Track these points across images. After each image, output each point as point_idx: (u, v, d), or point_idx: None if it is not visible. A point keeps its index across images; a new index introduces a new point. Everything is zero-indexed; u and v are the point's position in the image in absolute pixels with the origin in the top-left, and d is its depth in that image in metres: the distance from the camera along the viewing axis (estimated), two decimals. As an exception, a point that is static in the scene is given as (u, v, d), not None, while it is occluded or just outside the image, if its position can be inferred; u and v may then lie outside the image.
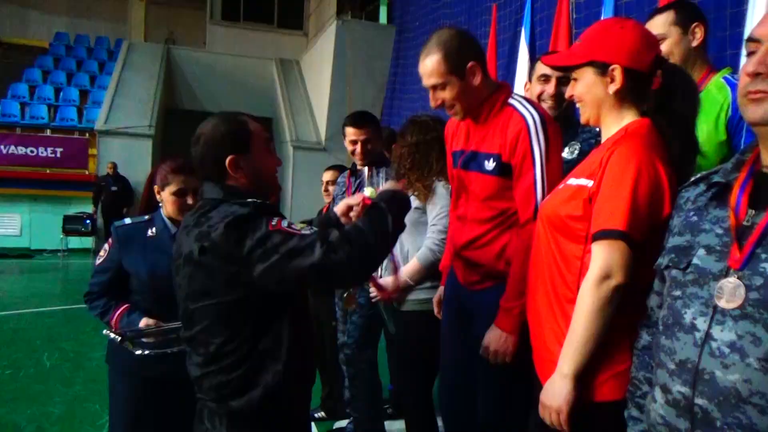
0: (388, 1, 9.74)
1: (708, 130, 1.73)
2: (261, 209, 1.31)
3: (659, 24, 1.85)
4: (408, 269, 2.19)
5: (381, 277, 2.33)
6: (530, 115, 1.67)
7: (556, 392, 1.28)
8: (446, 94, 1.72)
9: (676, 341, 1.01)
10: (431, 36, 1.76)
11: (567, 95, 1.51)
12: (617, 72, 1.34)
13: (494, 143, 1.72)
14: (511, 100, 1.73)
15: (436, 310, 2.13)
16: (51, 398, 3.57)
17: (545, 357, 1.39)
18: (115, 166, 9.71)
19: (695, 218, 1.08)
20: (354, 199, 1.49)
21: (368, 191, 2.30)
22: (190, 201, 1.94)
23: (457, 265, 1.93)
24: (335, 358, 2.94)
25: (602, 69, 1.35)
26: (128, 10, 14.18)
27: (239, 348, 1.31)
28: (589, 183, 1.31)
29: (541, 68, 2.06)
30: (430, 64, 1.69)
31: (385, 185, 1.52)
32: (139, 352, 1.77)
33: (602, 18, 3.20)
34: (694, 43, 1.82)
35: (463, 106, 1.74)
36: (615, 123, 1.38)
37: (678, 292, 1.04)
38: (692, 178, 1.17)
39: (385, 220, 1.30)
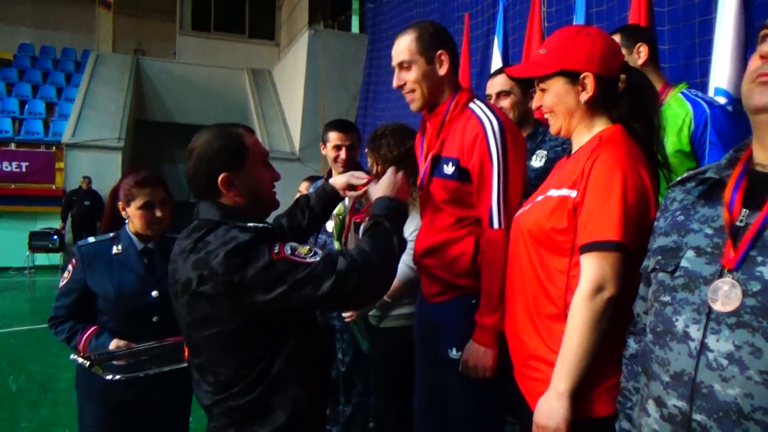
0: (360, 11, 9.74)
1: (672, 143, 1.81)
2: (263, 235, 1.24)
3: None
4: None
5: None
6: (488, 120, 1.63)
7: (553, 411, 1.23)
8: (410, 76, 1.68)
9: (669, 351, 0.96)
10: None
11: (534, 106, 1.47)
12: (589, 80, 1.32)
13: (453, 147, 1.68)
14: (471, 104, 1.69)
15: None
16: (17, 423, 3.43)
17: (528, 374, 1.36)
18: (89, 180, 9.47)
19: (682, 217, 1.04)
20: (356, 179, 1.50)
21: (337, 207, 2.26)
22: (158, 213, 1.87)
23: (422, 276, 1.87)
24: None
25: (573, 78, 1.33)
26: (96, 21, 13.92)
27: (250, 373, 1.24)
28: (572, 193, 1.28)
29: (496, 85, 2.12)
30: (402, 43, 1.69)
31: (380, 183, 1.47)
32: (109, 377, 1.67)
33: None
34: (640, 62, 1.96)
35: (422, 93, 1.69)
36: (587, 131, 1.36)
37: (667, 298, 0.99)
38: (678, 178, 1.13)
39: (390, 241, 1.29)
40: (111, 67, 12.13)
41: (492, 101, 2.19)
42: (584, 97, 1.33)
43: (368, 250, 1.24)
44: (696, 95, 1.94)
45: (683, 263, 0.97)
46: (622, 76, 1.36)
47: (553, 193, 1.33)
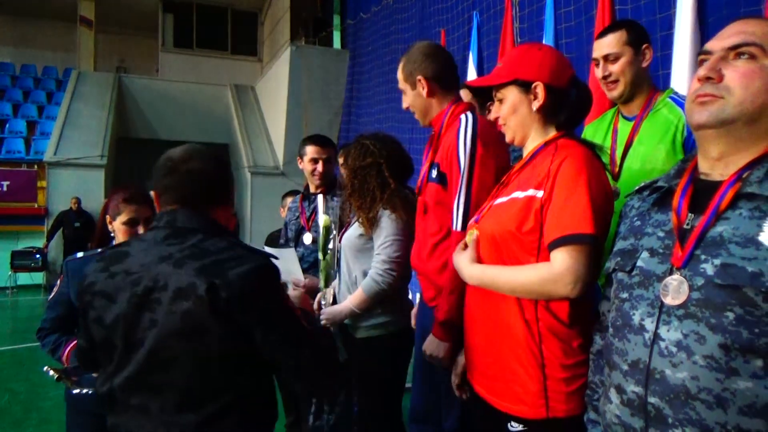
0: (341, 27, 9.87)
1: (666, 150, 1.76)
2: (276, 269, 1.26)
3: (612, 43, 1.85)
4: (354, 298, 2.16)
5: (332, 303, 2.33)
6: (463, 127, 1.74)
7: (461, 268, 1.45)
8: (405, 101, 1.96)
9: (627, 342, 1.05)
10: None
11: (492, 117, 1.56)
12: (540, 89, 1.41)
13: (439, 153, 1.82)
14: (463, 114, 1.79)
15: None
16: (2, 443, 3.43)
17: (497, 376, 1.40)
18: (78, 201, 9.42)
19: (638, 223, 1.14)
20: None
21: (323, 219, 2.32)
22: (140, 230, 1.92)
23: (420, 280, 1.98)
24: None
25: (526, 87, 1.43)
26: (77, 40, 13.89)
27: (223, 395, 1.20)
28: (539, 193, 1.33)
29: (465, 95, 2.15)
30: (398, 71, 1.95)
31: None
32: (76, 390, 1.71)
33: (543, 42, 3.36)
34: (644, 64, 1.86)
35: (417, 114, 1.95)
36: (539, 138, 1.46)
37: (625, 294, 1.09)
38: (636, 187, 1.23)
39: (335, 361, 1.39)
40: (93, 85, 12.11)
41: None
42: (536, 105, 1.43)
43: (323, 360, 1.33)
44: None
45: (639, 263, 1.08)
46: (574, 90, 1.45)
47: (518, 194, 1.38)
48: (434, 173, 1.82)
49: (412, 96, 1.91)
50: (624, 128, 1.91)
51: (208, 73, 13.71)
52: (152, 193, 1.33)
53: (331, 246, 2.33)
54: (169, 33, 14.27)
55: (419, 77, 1.87)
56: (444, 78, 1.90)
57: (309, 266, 2.69)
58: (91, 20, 13.78)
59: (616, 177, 1.86)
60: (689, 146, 1.75)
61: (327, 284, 2.33)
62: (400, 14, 6.63)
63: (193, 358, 1.17)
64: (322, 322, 2.22)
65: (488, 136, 1.75)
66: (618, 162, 1.88)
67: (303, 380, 1.32)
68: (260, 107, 12.55)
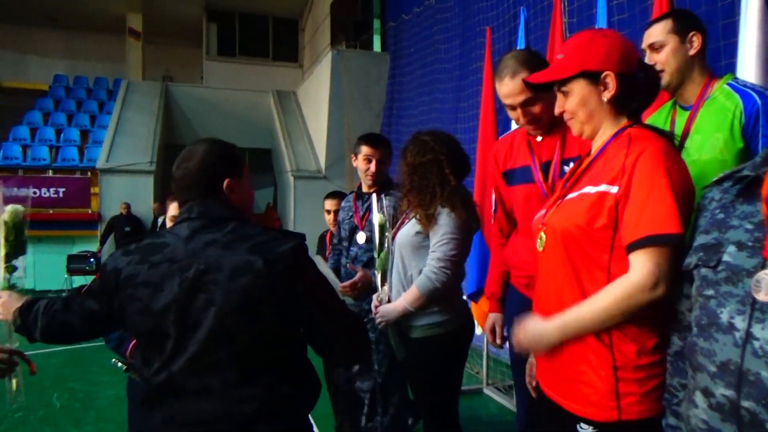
0: (381, 30, 9.89)
1: (724, 138, 1.69)
2: (305, 243, 1.36)
3: (657, 32, 1.85)
4: (408, 296, 2.14)
5: (389, 300, 2.31)
6: None
7: (542, 339, 1.35)
8: (536, 109, 1.90)
9: (714, 342, 1.00)
10: (505, 58, 1.93)
11: (557, 111, 1.46)
12: (610, 78, 1.33)
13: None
14: None
15: (490, 338, 2.28)
16: (63, 440, 3.54)
17: (566, 376, 1.36)
18: (128, 206, 9.74)
19: (722, 215, 1.08)
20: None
21: (377, 218, 2.30)
22: None
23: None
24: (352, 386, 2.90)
25: (594, 78, 1.35)
26: (126, 51, 14.40)
27: (278, 365, 1.31)
28: (612, 188, 1.27)
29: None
30: (516, 83, 1.86)
31: None
32: None
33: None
34: (692, 52, 1.81)
35: (548, 119, 1.91)
36: (610, 129, 1.38)
37: (710, 291, 1.03)
38: (715, 178, 1.16)
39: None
40: (141, 93, 12.52)
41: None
42: (607, 95, 1.35)
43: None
44: (744, 85, 1.78)
45: (725, 258, 1.02)
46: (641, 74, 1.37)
47: (590, 189, 1.32)
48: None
49: (544, 101, 1.89)
50: (681, 118, 1.85)
51: (250, 79, 13.99)
52: (172, 197, 1.41)
53: (386, 244, 2.32)
54: (212, 42, 14.63)
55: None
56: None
57: (363, 265, 2.69)
58: (138, 32, 14.25)
59: None
60: (749, 133, 1.68)
61: (383, 283, 2.32)
62: (442, 14, 6.57)
63: (251, 331, 1.24)
64: (377, 321, 2.21)
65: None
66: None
67: (341, 345, 1.39)
68: (301, 112, 12.70)
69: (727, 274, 1.00)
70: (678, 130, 1.82)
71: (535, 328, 1.36)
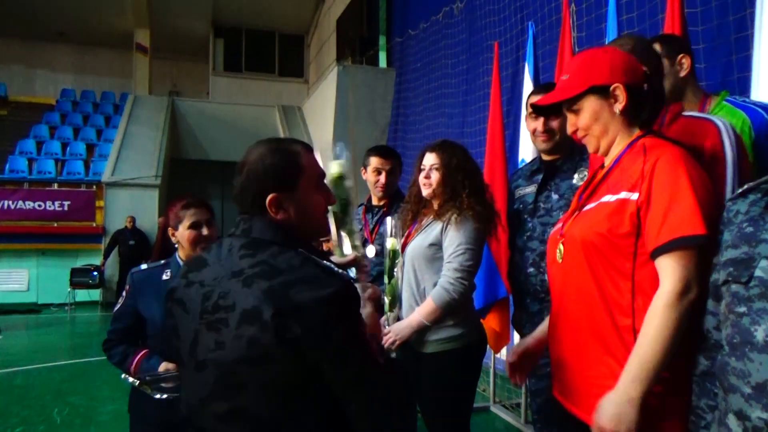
0: (387, 46, 9.94)
1: None
2: (354, 291, 1.11)
3: None
4: (423, 309, 2.09)
5: (397, 319, 2.24)
6: None
7: (622, 416, 1.16)
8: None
9: (749, 362, 0.94)
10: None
11: (570, 131, 1.45)
12: (620, 90, 1.33)
13: None
14: None
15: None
16: (62, 456, 3.48)
17: (589, 391, 1.30)
18: (133, 219, 9.74)
19: (751, 229, 1.03)
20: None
21: (390, 242, 2.24)
22: (205, 232, 1.96)
23: None
24: None
25: (604, 92, 1.34)
26: (133, 66, 14.53)
27: (298, 425, 1.08)
28: (633, 195, 1.25)
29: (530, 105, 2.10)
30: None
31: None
32: (158, 396, 1.72)
33: (605, 49, 3.24)
34: (683, 74, 1.83)
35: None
36: (624, 141, 1.37)
37: (743, 308, 0.98)
38: (739, 190, 1.13)
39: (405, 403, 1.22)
40: (148, 108, 12.59)
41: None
42: (618, 107, 1.34)
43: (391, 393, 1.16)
44: (744, 101, 1.80)
45: (758, 273, 0.97)
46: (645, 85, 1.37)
47: (609, 198, 1.30)
48: None
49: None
50: None
51: (256, 95, 14.08)
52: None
53: (397, 270, 2.28)
54: (219, 57, 14.76)
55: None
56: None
57: (372, 279, 2.63)
58: (146, 47, 14.39)
59: None
60: (761, 149, 1.66)
61: (392, 308, 2.27)
62: (449, 29, 6.59)
63: (262, 385, 1.06)
64: (391, 340, 2.14)
65: None
66: None
67: (370, 421, 1.13)
68: (307, 127, 12.75)
69: (761, 290, 0.96)
70: None
71: (608, 407, 1.21)
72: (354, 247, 1.54)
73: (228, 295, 1.09)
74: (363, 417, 1.12)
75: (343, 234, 1.59)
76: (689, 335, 1.17)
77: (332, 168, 1.62)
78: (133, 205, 10.17)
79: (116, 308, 1.99)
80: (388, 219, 2.33)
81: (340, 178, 1.61)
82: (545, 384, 1.87)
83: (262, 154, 1.19)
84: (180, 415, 1.19)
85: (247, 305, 1.06)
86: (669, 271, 1.17)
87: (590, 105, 1.37)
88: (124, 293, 2.00)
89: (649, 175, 1.23)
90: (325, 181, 1.29)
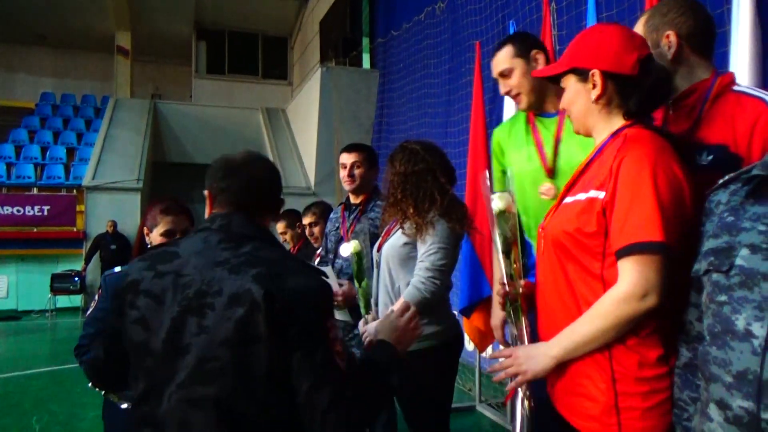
0: (370, 47, 9.93)
1: None
2: (330, 290, 1.21)
3: (501, 60, 1.93)
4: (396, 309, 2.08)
5: (374, 319, 2.22)
6: None
7: (539, 363, 1.28)
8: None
9: (730, 351, 0.93)
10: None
11: (561, 106, 1.43)
12: (596, 77, 1.28)
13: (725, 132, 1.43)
14: None
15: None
16: (41, 464, 3.41)
17: (568, 388, 1.30)
18: (114, 224, 9.56)
19: (732, 218, 1.02)
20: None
21: (352, 245, 2.20)
22: None
23: None
24: None
25: (583, 75, 1.30)
26: (114, 69, 14.37)
27: (262, 415, 1.11)
28: (600, 194, 1.22)
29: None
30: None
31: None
32: (124, 405, 1.68)
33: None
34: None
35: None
36: (605, 130, 1.32)
37: (723, 297, 0.97)
38: (720, 181, 1.11)
39: (385, 400, 1.32)
40: (129, 111, 12.44)
41: None
42: (594, 94, 1.29)
43: (366, 393, 1.19)
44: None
45: (738, 261, 0.96)
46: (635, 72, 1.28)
47: (581, 196, 1.28)
48: (709, 157, 1.34)
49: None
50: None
51: (239, 97, 13.99)
52: (206, 192, 1.30)
53: (373, 271, 2.25)
54: (201, 60, 14.64)
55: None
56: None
57: (349, 278, 2.61)
58: (127, 50, 14.25)
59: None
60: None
61: (368, 310, 2.24)
62: (431, 29, 6.58)
63: (238, 370, 1.09)
64: (367, 341, 2.12)
65: None
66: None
67: (335, 414, 1.12)
68: (291, 129, 12.70)
69: (742, 279, 0.95)
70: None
71: (535, 358, 1.30)
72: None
73: (212, 282, 1.13)
74: (328, 409, 1.12)
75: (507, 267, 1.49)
76: (673, 327, 1.16)
77: (495, 203, 1.48)
78: (114, 210, 10.01)
79: (88, 312, 1.94)
80: (352, 244, 2.26)
81: (503, 213, 1.49)
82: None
83: (271, 164, 1.36)
84: (137, 410, 1.18)
85: (236, 289, 1.10)
86: (626, 274, 1.16)
87: (570, 86, 1.34)
88: (96, 297, 1.95)
89: (615, 174, 1.20)
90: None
